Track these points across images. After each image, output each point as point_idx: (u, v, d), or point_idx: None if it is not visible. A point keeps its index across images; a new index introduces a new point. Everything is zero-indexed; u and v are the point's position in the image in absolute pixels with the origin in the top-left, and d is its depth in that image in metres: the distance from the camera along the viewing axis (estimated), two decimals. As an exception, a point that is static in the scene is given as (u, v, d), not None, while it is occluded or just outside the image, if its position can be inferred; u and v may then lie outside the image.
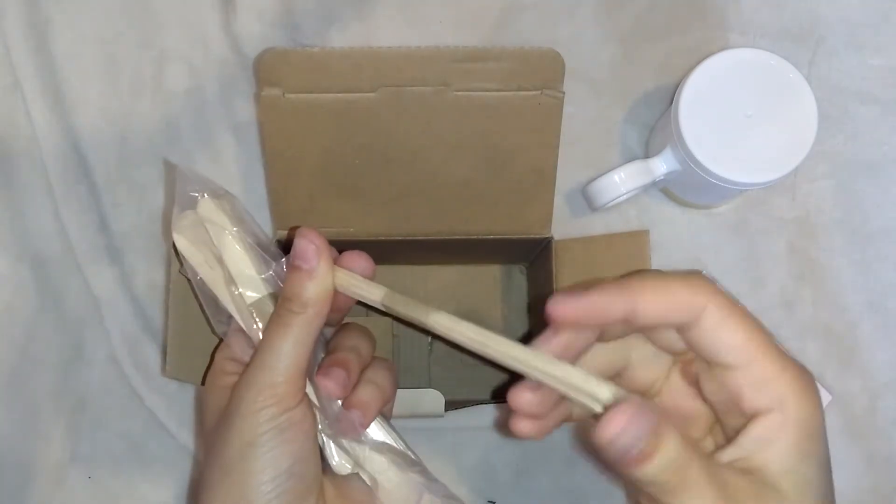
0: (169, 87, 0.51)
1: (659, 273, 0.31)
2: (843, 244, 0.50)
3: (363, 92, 0.40)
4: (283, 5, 0.51)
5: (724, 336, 0.30)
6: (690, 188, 0.49)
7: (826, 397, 0.49)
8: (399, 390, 0.44)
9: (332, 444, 0.37)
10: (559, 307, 0.30)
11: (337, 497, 0.36)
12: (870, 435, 0.49)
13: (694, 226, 0.51)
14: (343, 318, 0.41)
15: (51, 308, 0.49)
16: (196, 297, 0.38)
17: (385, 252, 0.47)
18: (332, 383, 0.36)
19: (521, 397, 0.32)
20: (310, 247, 0.35)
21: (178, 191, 0.37)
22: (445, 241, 0.45)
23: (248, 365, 0.35)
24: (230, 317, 0.37)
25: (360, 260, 0.37)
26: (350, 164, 0.43)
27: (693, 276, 0.31)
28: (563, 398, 0.32)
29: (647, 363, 0.34)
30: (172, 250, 0.38)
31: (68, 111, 0.50)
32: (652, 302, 0.30)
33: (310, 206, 0.43)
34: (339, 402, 0.37)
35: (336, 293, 0.36)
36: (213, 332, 0.38)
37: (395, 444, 0.38)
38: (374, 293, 0.35)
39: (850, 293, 0.50)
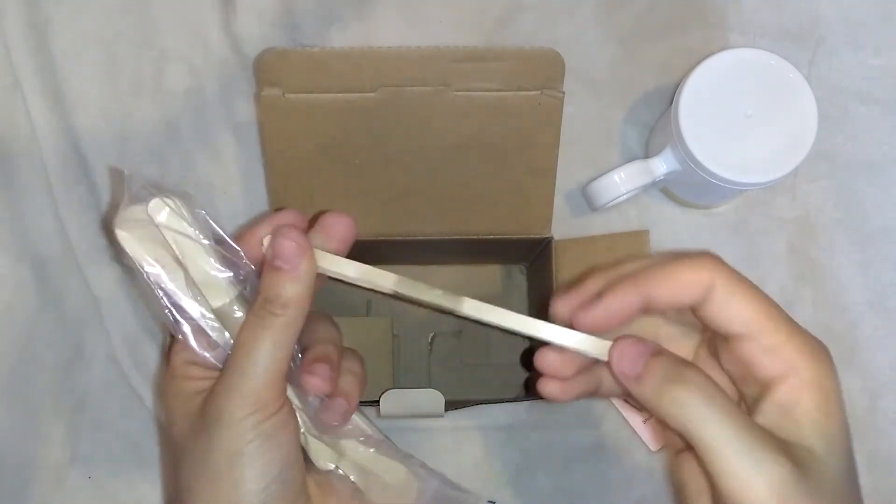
0: (169, 87, 0.51)
1: (666, 258, 0.32)
2: (843, 244, 0.50)
3: (363, 92, 0.40)
4: (283, 5, 0.51)
5: (733, 309, 0.31)
6: (690, 188, 0.49)
7: (826, 397, 0.48)
8: (399, 390, 0.44)
9: (313, 442, 0.37)
10: (581, 318, 0.33)
11: (321, 494, 0.36)
12: (870, 435, 0.49)
13: (694, 226, 0.51)
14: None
15: (51, 308, 0.49)
16: (142, 292, 0.35)
17: (385, 252, 0.47)
18: (319, 380, 0.35)
19: (545, 358, 0.34)
20: (290, 245, 0.33)
21: (127, 192, 0.34)
22: (445, 241, 0.45)
23: (224, 370, 0.34)
24: (185, 316, 0.35)
25: (340, 223, 0.35)
26: (350, 164, 0.43)
27: (699, 255, 0.32)
28: (586, 367, 0.35)
29: (674, 341, 0.35)
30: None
31: (68, 111, 0.50)
32: (664, 290, 0.32)
33: (310, 206, 0.43)
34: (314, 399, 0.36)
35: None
36: (161, 328, 0.37)
37: (375, 435, 0.38)
38: (384, 282, 0.34)
39: (850, 293, 0.50)
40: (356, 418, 0.38)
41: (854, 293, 0.50)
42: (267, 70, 0.40)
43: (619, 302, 0.32)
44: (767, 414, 0.31)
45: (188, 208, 0.35)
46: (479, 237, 0.45)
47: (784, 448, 0.29)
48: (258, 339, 0.33)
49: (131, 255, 0.34)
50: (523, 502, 0.49)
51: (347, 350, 0.39)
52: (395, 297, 0.35)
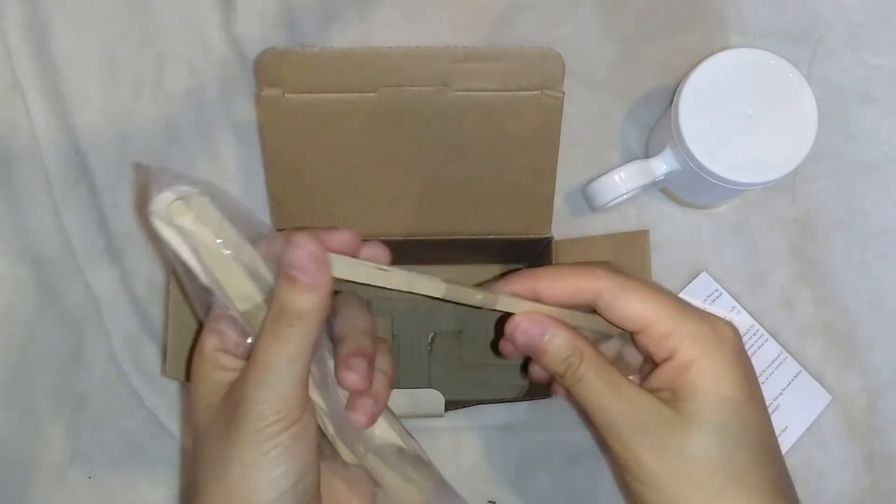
0: (169, 87, 0.51)
1: (562, 265, 0.38)
2: (844, 244, 0.50)
3: (363, 92, 0.40)
4: (283, 5, 0.51)
5: (620, 311, 0.35)
6: (690, 188, 0.49)
7: (826, 397, 0.49)
8: (399, 390, 0.44)
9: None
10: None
11: (343, 488, 0.36)
12: (870, 435, 0.49)
13: (694, 226, 0.51)
14: None
15: (51, 308, 0.49)
16: (178, 280, 0.35)
17: (385, 252, 0.47)
18: (356, 376, 0.34)
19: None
20: (307, 257, 0.32)
21: (155, 186, 0.33)
22: (445, 241, 0.45)
23: (243, 378, 0.33)
24: (219, 305, 0.34)
25: (376, 252, 0.36)
26: (350, 164, 0.43)
27: (590, 265, 0.37)
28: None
29: (632, 348, 0.39)
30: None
31: (68, 111, 0.50)
32: (549, 288, 0.36)
33: (310, 206, 0.43)
34: (341, 394, 0.35)
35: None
36: (196, 316, 0.36)
37: (398, 441, 0.37)
38: (432, 289, 0.35)
39: (850, 293, 0.50)
40: (384, 422, 0.37)
41: (854, 293, 0.50)
42: (267, 70, 0.40)
43: (515, 288, 0.36)
44: (649, 384, 0.36)
45: (218, 206, 0.33)
46: (479, 237, 0.45)
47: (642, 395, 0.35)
48: (274, 352, 0.32)
49: (169, 243, 0.33)
50: (523, 502, 0.49)
51: (379, 341, 0.38)
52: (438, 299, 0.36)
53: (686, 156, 0.44)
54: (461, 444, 0.49)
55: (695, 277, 0.50)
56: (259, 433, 0.32)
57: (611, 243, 0.46)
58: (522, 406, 0.49)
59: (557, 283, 0.36)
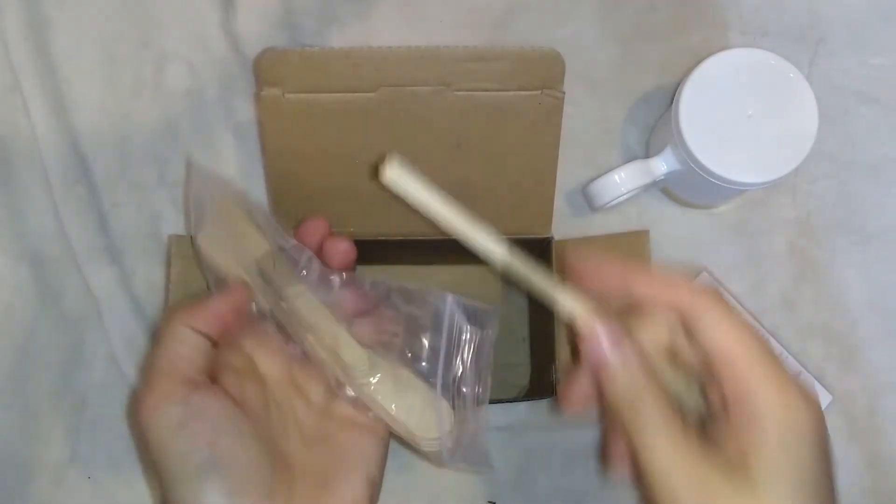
0: (169, 87, 0.51)
1: (675, 276, 0.33)
2: (844, 244, 0.50)
3: (363, 92, 0.40)
4: (283, 5, 0.51)
5: (717, 344, 0.31)
6: (690, 188, 0.49)
7: (826, 397, 0.49)
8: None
9: (349, 354, 0.38)
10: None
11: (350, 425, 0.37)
12: (870, 435, 0.49)
13: (694, 226, 0.51)
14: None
15: (50, 308, 0.49)
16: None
17: (385, 252, 0.47)
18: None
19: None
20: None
21: (193, 196, 0.38)
22: (446, 241, 0.45)
23: None
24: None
25: (340, 250, 0.39)
26: (350, 164, 0.43)
27: (699, 289, 0.32)
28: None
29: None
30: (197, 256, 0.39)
31: (68, 111, 0.50)
32: (642, 291, 0.33)
33: (309, 206, 0.43)
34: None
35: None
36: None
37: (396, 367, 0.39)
38: (492, 249, 0.35)
39: (850, 293, 0.50)
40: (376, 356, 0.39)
41: (854, 293, 0.50)
42: (267, 70, 0.40)
43: (601, 272, 0.34)
44: (716, 440, 0.31)
45: (238, 217, 0.38)
46: (479, 237, 0.45)
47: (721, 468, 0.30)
48: (164, 328, 0.35)
49: (211, 262, 0.38)
50: (523, 502, 0.48)
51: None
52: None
53: (686, 156, 0.44)
54: (461, 444, 0.49)
55: (695, 278, 0.50)
56: (155, 410, 0.33)
57: (611, 243, 0.46)
58: (522, 406, 0.49)
59: (665, 293, 0.33)
